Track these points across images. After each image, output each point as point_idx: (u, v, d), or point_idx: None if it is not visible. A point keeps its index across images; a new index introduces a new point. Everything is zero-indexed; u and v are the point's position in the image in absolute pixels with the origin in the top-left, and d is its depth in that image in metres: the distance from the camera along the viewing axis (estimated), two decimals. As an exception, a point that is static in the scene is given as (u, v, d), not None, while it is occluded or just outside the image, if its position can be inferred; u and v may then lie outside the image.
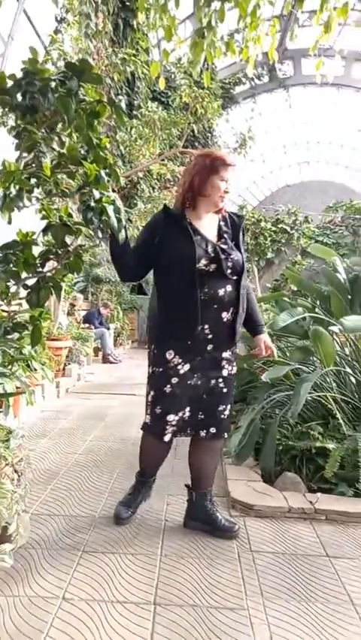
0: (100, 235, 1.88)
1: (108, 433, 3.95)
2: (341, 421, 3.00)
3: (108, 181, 1.83)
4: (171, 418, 2.16)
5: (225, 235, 2.23)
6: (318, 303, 3.92)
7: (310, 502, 2.49)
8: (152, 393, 2.19)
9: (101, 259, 9.08)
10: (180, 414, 2.17)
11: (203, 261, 2.08)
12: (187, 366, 2.14)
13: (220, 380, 2.20)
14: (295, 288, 4.51)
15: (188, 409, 2.19)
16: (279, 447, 2.97)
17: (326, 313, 3.62)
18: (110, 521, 2.36)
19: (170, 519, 2.42)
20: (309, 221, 10.06)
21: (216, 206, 2.20)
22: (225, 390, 2.23)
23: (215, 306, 2.11)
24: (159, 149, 6.87)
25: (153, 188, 10.11)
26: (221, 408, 2.24)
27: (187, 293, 2.06)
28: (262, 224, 9.03)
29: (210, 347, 2.15)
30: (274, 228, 9.22)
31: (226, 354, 2.20)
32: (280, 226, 9.11)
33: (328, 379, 3.46)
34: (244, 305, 2.21)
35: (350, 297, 3.67)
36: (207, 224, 2.22)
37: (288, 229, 9.27)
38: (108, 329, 8.94)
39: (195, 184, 2.15)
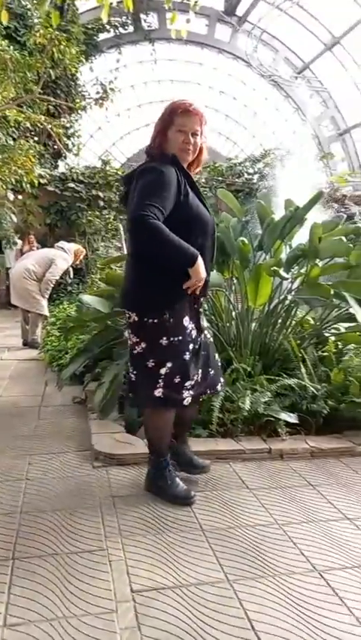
0: None
1: (-34, 400, 3.74)
2: (198, 371, 3.21)
3: None
4: (188, 383, 2.11)
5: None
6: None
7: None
8: (169, 364, 2.05)
9: None
10: (195, 377, 2.14)
11: (212, 222, 2.11)
12: (195, 331, 2.14)
13: (206, 332, 2.27)
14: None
15: (200, 371, 2.18)
16: (142, 399, 3.10)
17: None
18: (-33, 487, 2.28)
19: (31, 477, 2.41)
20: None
21: (185, 161, 2.10)
22: (211, 338, 2.34)
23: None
24: (14, 92, 6.32)
25: (12, 137, 9.34)
26: (217, 357, 2.38)
27: (203, 256, 2.00)
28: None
29: (196, 305, 2.18)
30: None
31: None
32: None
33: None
34: None
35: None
36: None
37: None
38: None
39: (156, 141, 2.09)
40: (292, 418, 2.88)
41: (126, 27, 15.50)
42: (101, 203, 8.81)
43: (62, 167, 11.37)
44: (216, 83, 19.18)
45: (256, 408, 2.83)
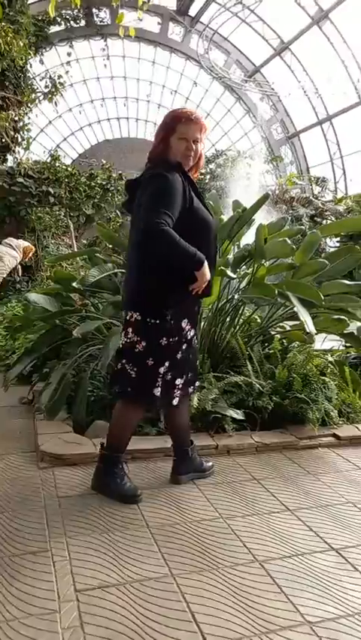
0: None
1: None
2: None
3: None
4: (179, 382, 2.21)
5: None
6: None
7: (117, 445, 2.66)
8: (166, 363, 2.14)
9: None
10: (184, 377, 2.25)
11: (214, 225, 2.21)
12: (192, 332, 2.25)
13: (196, 336, 2.38)
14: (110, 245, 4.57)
15: (187, 370, 2.27)
16: (91, 398, 3.08)
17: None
18: None
19: (-26, 481, 2.34)
20: (123, 179, 10.15)
21: (186, 166, 2.15)
22: (198, 344, 2.49)
23: None
24: None
25: None
26: (198, 362, 2.48)
27: (207, 258, 2.08)
28: (76, 178, 8.80)
29: (197, 307, 2.31)
30: (89, 183, 9.04)
31: None
32: (94, 182, 8.97)
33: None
34: None
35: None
36: None
37: (103, 185, 9.18)
38: None
39: (159, 148, 2.15)
40: (238, 414, 2.95)
41: (78, 21, 15.28)
42: (52, 200, 8.63)
43: (11, 162, 11.07)
44: (169, 83, 19.23)
45: (203, 405, 2.88)
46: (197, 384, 2.44)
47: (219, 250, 3.59)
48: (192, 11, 17.51)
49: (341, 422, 3.17)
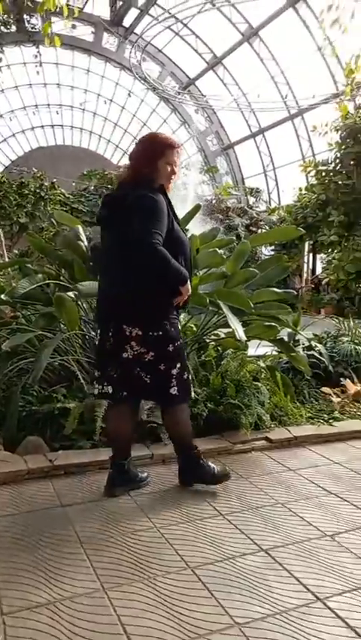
0: None
1: None
2: (82, 382, 3.19)
3: None
4: (186, 376, 2.38)
5: None
6: (63, 270, 3.99)
7: (50, 461, 2.60)
8: (179, 365, 2.31)
9: None
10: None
11: (189, 243, 2.39)
12: None
13: None
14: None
15: None
16: (22, 413, 2.99)
17: (71, 280, 3.72)
18: None
19: None
20: (56, 188, 9.99)
21: (168, 189, 2.32)
22: None
23: None
24: None
25: None
26: None
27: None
28: (6, 187, 8.56)
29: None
30: (22, 191, 8.81)
31: None
32: (26, 190, 8.76)
33: (74, 344, 3.60)
34: None
35: (91, 263, 3.85)
36: None
37: (37, 192, 8.97)
38: None
39: (145, 170, 2.27)
40: (173, 422, 2.97)
41: (8, 26, 14.91)
42: (-17, 208, 8.36)
43: None
44: (104, 91, 19.19)
45: (140, 415, 2.87)
46: None
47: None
48: (127, 22, 17.63)
49: (273, 425, 3.27)
